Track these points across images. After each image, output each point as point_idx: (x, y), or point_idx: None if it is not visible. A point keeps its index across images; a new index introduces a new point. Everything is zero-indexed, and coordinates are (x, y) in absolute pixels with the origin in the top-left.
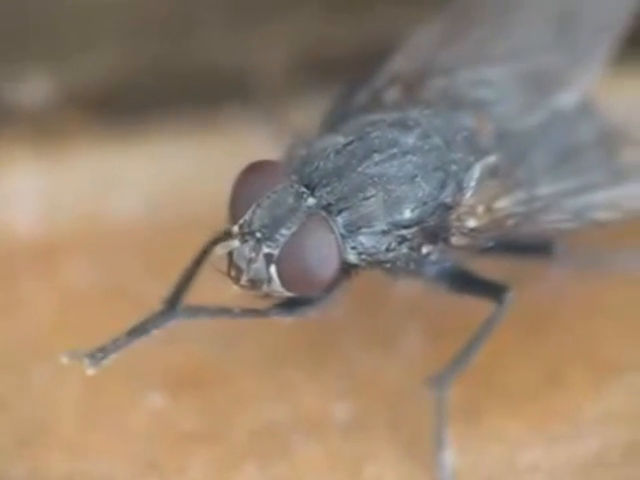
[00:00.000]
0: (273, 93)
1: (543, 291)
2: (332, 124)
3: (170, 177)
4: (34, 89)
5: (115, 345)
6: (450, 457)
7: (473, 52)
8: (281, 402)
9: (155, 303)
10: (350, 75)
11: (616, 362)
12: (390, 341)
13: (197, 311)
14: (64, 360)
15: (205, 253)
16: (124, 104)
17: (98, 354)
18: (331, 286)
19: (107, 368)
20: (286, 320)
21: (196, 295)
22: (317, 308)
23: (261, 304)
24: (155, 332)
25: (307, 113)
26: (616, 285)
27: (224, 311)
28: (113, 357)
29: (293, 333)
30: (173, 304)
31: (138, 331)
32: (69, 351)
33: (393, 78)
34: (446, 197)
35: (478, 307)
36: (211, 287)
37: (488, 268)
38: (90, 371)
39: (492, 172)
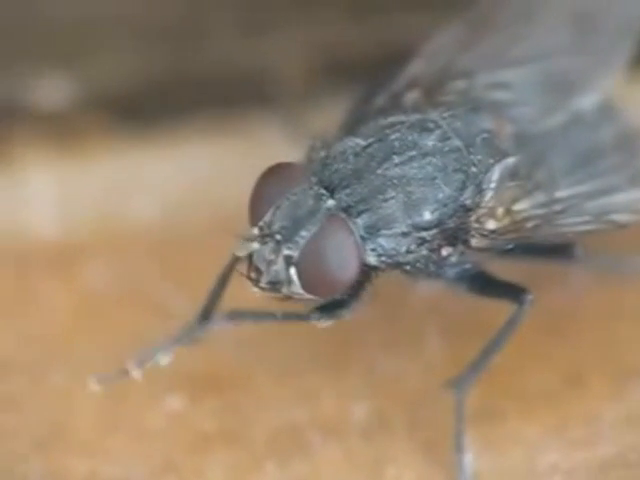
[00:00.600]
0: (291, 96)
1: (562, 294)
2: (351, 126)
3: (188, 180)
4: (53, 91)
5: (157, 358)
6: (469, 459)
7: (492, 55)
8: (300, 403)
9: (173, 306)
10: (368, 78)
11: (635, 365)
12: (410, 343)
13: (239, 316)
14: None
15: (233, 263)
16: (142, 107)
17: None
18: (352, 288)
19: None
20: (325, 324)
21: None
22: (351, 310)
23: (285, 305)
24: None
25: (325, 116)
26: (636, 288)
27: (266, 316)
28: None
29: (312, 335)
30: (207, 314)
31: (179, 342)
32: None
33: (412, 81)
34: (466, 199)
35: (498, 309)
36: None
37: (507, 270)
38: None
39: (512, 174)
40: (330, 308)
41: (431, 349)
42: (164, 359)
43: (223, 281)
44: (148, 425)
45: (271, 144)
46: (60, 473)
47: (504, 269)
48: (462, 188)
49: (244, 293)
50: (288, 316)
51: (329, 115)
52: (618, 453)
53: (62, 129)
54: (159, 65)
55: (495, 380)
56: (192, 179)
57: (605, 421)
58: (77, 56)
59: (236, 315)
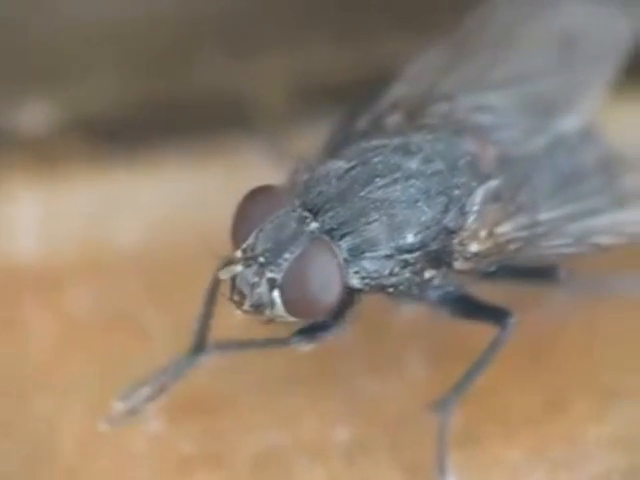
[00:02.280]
0: (272, 119)
1: (545, 316)
2: (333, 149)
3: (171, 203)
4: (35, 115)
5: (150, 396)
6: None
7: (474, 78)
8: (283, 427)
9: (157, 330)
10: (349, 101)
11: (617, 388)
12: (392, 365)
13: (224, 346)
14: (103, 427)
15: (215, 285)
16: (125, 131)
17: (134, 409)
18: (335, 311)
19: (108, 393)
20: (306, 347)
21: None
22: (334, 332)
23: (267, 329)
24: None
25: (306, 139)
26: (618, 310)
27: (249, 344)
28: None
29: (294, 358)
30: (200, 343)
31: (171, 375)
32: (106, 417)
33: (394, 104)
34: (449, 221)
35: (480, 332)
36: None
37: (490, 293)
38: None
39: (494, 197)
40: (311, 331)
41: (413, 372)
42: (154, 394)
43: (209, 306)
44: (130, 449)
45: (253, 167)
46: None
47: (487, 291)
48: (445, 211)
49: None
50: (270, 342)
51: (310, 139)
52: (600, 475)
53: (45, 153)
54: (141, 89)
55: (477, 403)
56: (175, 202)
57: (587, 443)
58: (60, 80)
59: (221, 346)
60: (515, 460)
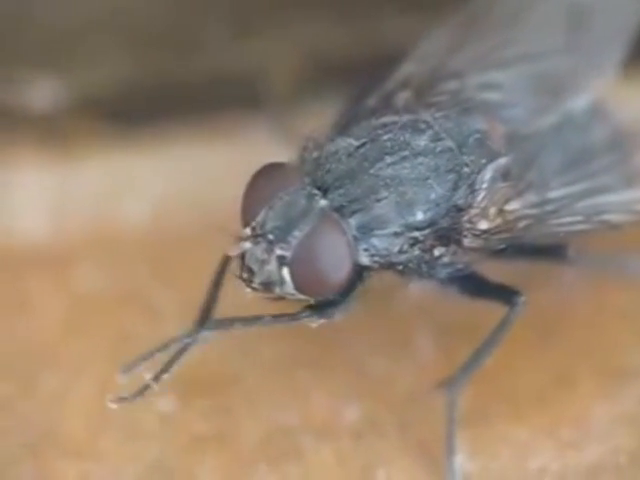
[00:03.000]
0: (280, 98)
1: (554, 295)
2: (343, 127)
3: (178, 182)
4: (44, 95)
5: (156, 372)
6: (460, 461)
7: (484, 56)
8: (292, 405)
9: (164, 308)
10: (357, 80)
11: (626, 367)
12: (401, 344)
13: (229, 323)
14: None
15: (225, 264)
16: (133, 110)
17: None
18: (344, 288)
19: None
20: (315, 323)
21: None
22: (343, 309)
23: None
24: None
25: (314, 118)
26: (627, 289)
27: (255, 320)
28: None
29: (303, 336)
30: (204, 319)
31: (175, 350)
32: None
33: (404, 82)
34: (458, 199)
35: (489, 310)
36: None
37: (499, 271)
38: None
39: (504, 174)
40: (321, 307)
41: (422, 350)
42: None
43: (217, 283)
44: (139, 427)
45: (260, 146)
46: (52, 475)
47: (496, 269)
48: (454, 188)
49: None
50: (278, 319)
51: (318, 117)
52: (609, 455)
53: (52, 133)
54: (148, 68)
55: (485, 382)
56: (182, 181)
57: (596, 422)
58: (67, 60)
59: (224, 323)
60: (523, 439)
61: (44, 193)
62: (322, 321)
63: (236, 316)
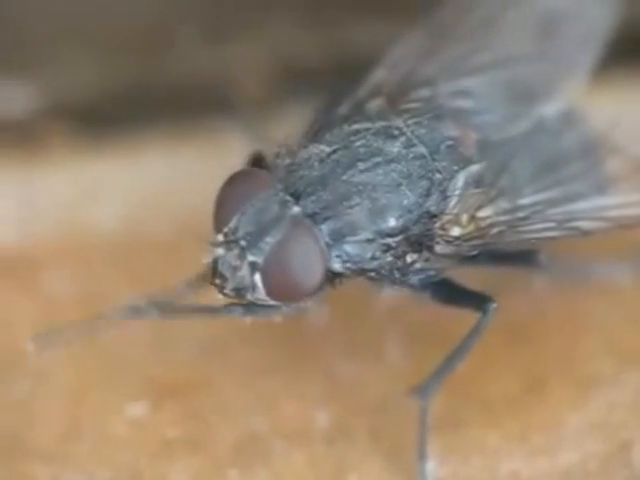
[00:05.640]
0: (251, 103)
1: (526, 301)
2: (315, 133)
3: (150, 187)
4: (14, 99)
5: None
6: (432, 467)
7: (455, 63)
8: (263, 411)
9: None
10: (328, 85)
11: (595, 373)
12: (373, 350)
13: (164, 307)
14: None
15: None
16: (104, 115)
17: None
18: (316, 295)
19: (88, 377)
20: (242, 317)
21: None
22: (283, 313)
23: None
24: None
25: (286, 123)
26: (598, 296)
27: (185, 309)
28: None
29: (274, 341)
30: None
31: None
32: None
33: (376, 88)
34: (431, 206)
35: (460, 316)
36: None
37: (471, 277)
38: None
39: (476, 181)
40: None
41: (393, 356)
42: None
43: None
44: (110, 431)
45: (232, 151)
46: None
47: (468, 275)
48: (427, 195)
49: None
50: (204, 309)
51: (289, 123)
52: (579, 461)
53: (23, 137)
54: (120, 73)
55: (458, 387)
56: (154, 186)
57: (567, 429)
58: (38, 64)
59: (160, 306)
60: (495, 444)
61: (14, 197)
62: (249, 318)
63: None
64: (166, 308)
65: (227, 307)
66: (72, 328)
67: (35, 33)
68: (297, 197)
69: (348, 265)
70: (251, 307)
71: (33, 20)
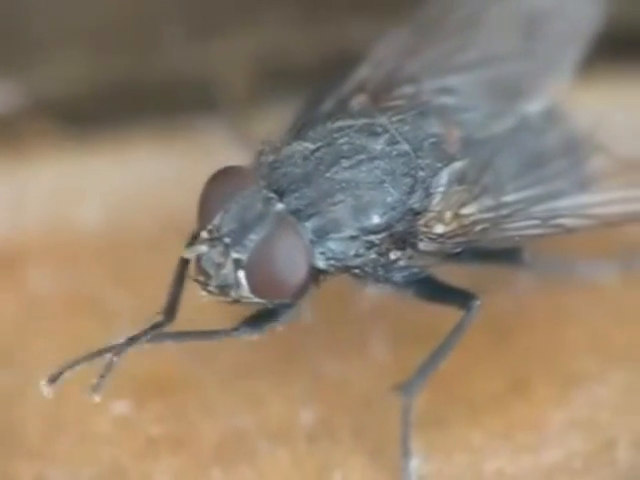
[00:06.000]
0: (236, 101)
1: (510, 299)
2: (299, 131)
3: (133, 185)
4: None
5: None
6: (415, 464)
7: (439, 60)
8: (246, 409)
9: (118, 311)
10: (312, 83)
11: (580, 371)
12: (356, 348)
13: (164, 337)
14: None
15: (183, 266)
16: (89, 113)
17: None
18: (300, 292)
19: (73, 376)
20: (255, 337)
21: None
22: (285, 320)
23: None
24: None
25: (270, 121)
26: (582, 294)
27: (189, 335)
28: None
29: (259, 340)
30: (169, 317)
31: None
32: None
33: (359, 86)
34: (414, 203)
35: (444, 314)
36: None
37: (455, 275)
38: (97, 397)
39: (459, 178)
40: (258, 320)
41: (377, 354)
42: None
43: (176, 285)
44: (94, 429)
45: (216, 149)
46: (6, 477)
47: (452, 273)
48: (410, 192)
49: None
50: (215, 334)
51: (273, 120)
52: (564, 458)
53: (7, 134)
54: (105, 71)
55: (441, 385)
56: (138, 184)
57: (551, 426)
58: (24, 61)
59: (160, 337)
60: (479, 442)
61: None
62: (259, 335)
63: (170, 332)
64: (178, 335)
65: (240, 328)
66: (83, 362)
67: (21, 30)
68: (281, 194)
69: (332, 262)
70: (258, 324)
71: (18, 17)
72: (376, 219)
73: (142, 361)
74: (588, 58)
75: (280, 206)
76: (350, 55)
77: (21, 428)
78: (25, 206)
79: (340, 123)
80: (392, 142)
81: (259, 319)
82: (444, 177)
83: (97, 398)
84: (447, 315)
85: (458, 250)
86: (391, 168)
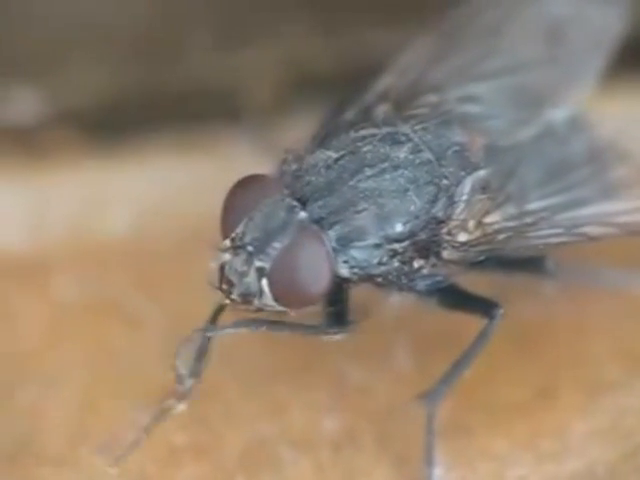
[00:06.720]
0: (261, 110)
1: (533, 307)
2: (322, 139)
3: (158, 193)
4: (23, 107)
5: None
6: (439, 473)
7: (463, 69)
8: (270, 417)
9: (145, 319)
10: (337, 93)
11: (604, 379)
12: (380, 356)
13: (249, 323)
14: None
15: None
16: (113, 122)
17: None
18: (323, 300)
19: (98, 383)
20: (337, 337)
21: None
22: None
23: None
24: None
25: (294, 130)
26: (606, 302)
27: (276, 325)
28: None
29: (283, 348)
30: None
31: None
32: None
33: (383, 95)
34: (438, 211)
35: (468, 322)
36: None
37: (478, 283)
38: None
39: (483, 187)
40: (340, 321)
41: (401, 363)
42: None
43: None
44: (120, 438)
45: (241, 158)
46: None
47: (475, 282)
48: (434, 200)
49: None
50: (300, 328)
51: (298, 130)
52: (587, 467)
53: (32, 144)
54: (129, 80)
55: (465, 393)
56: (162, 192)
57: (575, 435)
58: (46, 72)
59: (243, 323)
60: (502, 451)
61: (24, 204)
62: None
63: (257, 318)
64: (257, 325)
65: (323, 328)
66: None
67: (44, 40)
68: (304, 203)
69: (355, 270)
70: (344, 327)
71: (42, 27)
72: (399, 227)
73: (164, 370)
74: (611, 66)
75: (303, 214)
76: (372, 64)
77: (45, 435)
78: (49, 215)
79: (363, 132)
80: (415, 150)
81: (340, 320)
82: (467, 185)
83: (113, 471)
84: (470, 324)
85: (481, 258)
86: (414, 176)
